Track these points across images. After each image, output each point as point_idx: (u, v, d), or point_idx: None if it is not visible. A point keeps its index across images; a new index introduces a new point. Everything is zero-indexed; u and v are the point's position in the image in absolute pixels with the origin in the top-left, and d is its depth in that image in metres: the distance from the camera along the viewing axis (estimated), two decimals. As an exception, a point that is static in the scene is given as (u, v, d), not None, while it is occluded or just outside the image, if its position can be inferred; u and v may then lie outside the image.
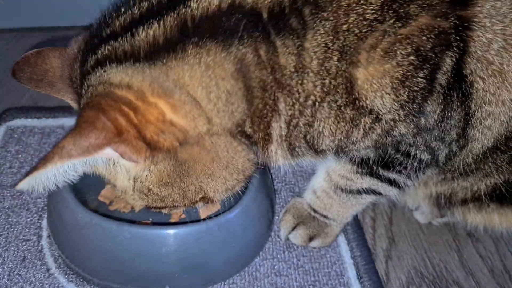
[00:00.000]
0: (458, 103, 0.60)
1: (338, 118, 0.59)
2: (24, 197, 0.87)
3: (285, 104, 0.59)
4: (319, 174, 0.79)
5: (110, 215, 0.77)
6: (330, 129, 0.61)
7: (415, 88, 0.58)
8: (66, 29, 1.38)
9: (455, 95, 0.59)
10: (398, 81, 0.57)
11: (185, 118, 0.55)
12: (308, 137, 0.62)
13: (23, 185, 0.52)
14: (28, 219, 0.83)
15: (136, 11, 0.58)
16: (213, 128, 0.57)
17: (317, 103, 0.59)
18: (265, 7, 0.55)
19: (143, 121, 0.53)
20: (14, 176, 0.91)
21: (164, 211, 0.66)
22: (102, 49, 0.57)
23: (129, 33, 0.56)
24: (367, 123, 0.60)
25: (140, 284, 0.70)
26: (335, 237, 0.83)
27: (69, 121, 1.06)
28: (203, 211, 0.82)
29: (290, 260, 0.79)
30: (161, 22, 0.55)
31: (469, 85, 0.59)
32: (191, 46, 0.54)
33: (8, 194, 0.88)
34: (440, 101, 0.59)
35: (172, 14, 0.56)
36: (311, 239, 0.81)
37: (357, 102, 0.58)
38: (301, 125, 0.61)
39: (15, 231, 0.81)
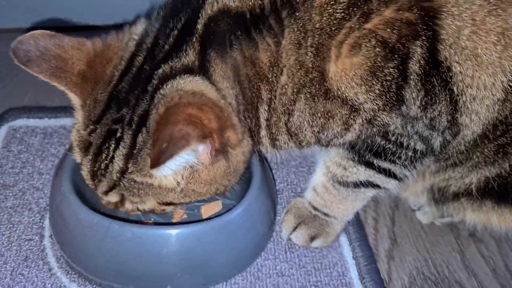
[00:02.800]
0: (440, 88, 0.62)
1: (313, 109, 0.64)
2: (26, 197, 0.87)
3: (265, 92, 0.64)
4: (318, 169, 0.80)
5: (112, 215, 0.77)
6: (309, 121, 0.65)
7: (388, 78, 0.60)
8: (66, 29, 1.39)
9: (434, 80, 0.61)
10: (368, 73, 0.60)
11: (235, 123, 0.63)
12: (289, 125, 0.66)
13: (169, 162, 0.56)
14: (31, 219, 0.83)
15: (178, 25, 0.64)
16: (243, 129, 0.65)
17: (294, 94, 0.63)
18: (247, 9, 0.62)
19: (223, 124, 0.59)
20: (16, 176, 0.91)
21: (178, 208, 0.72)
22: (161, 69, 0.62)
23: (182, 49, 0.62)
24: (344, 114, 0.63)
25: (141, 284, 0.70)
26: (336, 236, 0.83)
27: (71, 121, 1.05)
28: (205, 212, 0.82)
29: (292, 260, 0.79)
30: (191, 46, 0.62)
31: (446, 70, 0.61)
32: (210, 61, 0.62)
33: (10, 194, 0.88)
34: (419, 87, 0.61)
35: (193, 38, 0.62)
36: (312, 239, 0.81)
37: (329, 93, 0.62)
38: (280, 111, 0.65)
39: (17, 231, 0.81)
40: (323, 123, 0.65)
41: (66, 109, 1.07)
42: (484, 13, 0.59)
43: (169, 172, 0.61)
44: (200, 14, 0.63)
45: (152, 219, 0.81)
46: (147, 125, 0.60)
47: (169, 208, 0.70)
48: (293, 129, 0.67)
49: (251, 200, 0.74)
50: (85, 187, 0.79)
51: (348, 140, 0.68)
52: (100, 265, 0.70)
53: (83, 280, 0.74)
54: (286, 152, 0.73)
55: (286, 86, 0.63)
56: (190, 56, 0.62)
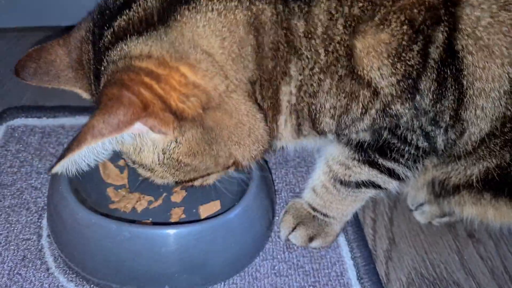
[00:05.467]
0: (452, 80, 0.62)
1: (338, 89, 0.61)
2: (24, 197, 0.87)
3: (296, 68, 0.60)
4: (318, 169, 0.79)
5: (110, 215, 0.77)
6: (332, 101, 0.62)
7: (410, 63, 0.60)
8: (67, 29, 1.38)
9: (448, 71, 0.61)
10: (394, 52, 0.59)
11: (204, 77, 0.56)
12: (311, 109, 0.63)
13: (58, 168, 0.53)
14: (28, 218, 0.83)
15: None
16: (230, 85, 0.58)
17: (322, 72, 0.60)
18: None
19: (167, 89, 0.54)
20: (15, 175, 0.91)
21: (197, 183, 0.66)
22: (118, 21, 0.57)
23: None
24: (366, 96, 0.61)
25: (139, 284, 0.70)
26: (335, 236, 0.83)
27: (69, 121, 1.06)
28: (204, 211, 0.82)
29: (290, 261, 0.79)
30: None
31: (460, 61, 0.61)
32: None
33: (8, 194, 0.87)
34: (434, 77, 0.61)
35: None
36: (311, 239, 0.81)
37: (355, 71, 0.59)
38: (308, 94, 0.62)
39: (15, 230, 0.81)
40: (345, 105, 0.62)
41: (65, 109, 1.08)
42: (499, 5, 0.59)
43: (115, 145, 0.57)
44: None
45: (151, 219, 0.81)
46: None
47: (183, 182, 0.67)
48: (314, 112, 0.63)
49: (250, 200, 0.74)
50: (82, 187, 0.79)
51: (362, 128, 0.66)
52: (98, 265, 0.70)
53: (81, 280, 0.73)
54: (302, 143, 0.71)
55: (316, 62, 0.60)
56: None
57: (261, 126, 0.62)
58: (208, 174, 0.65)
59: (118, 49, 0.56)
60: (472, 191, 0.75)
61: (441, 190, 0.79)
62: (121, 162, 0.89)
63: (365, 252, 0.81)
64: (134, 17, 0.56)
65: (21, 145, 0.98)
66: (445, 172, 0.76)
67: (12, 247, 0.78)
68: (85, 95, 0.67)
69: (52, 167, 0.53)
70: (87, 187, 0.81)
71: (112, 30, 0.58)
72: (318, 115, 0.64)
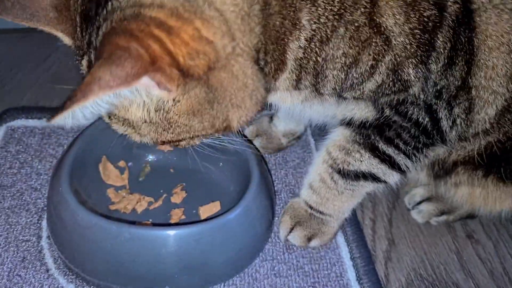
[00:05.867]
0: (465, 41, 0.60)
1: (353, 36, 0.58)
2: (24, 198, 0.87)
3: (309, 17, 0.58)
4: (316, 161, 0.78)
5: (110, 216, 0.77)
6: (344, 49, 0.59)
7: (426, 14, 0.58)
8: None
9: (462, 32, 0.59)
10: (409, 0, 0.57)
11: (215, 35, 0.54)
12: (319, 60, 0.60)
13: (59, 118, 0.50)
14: (28, 220, 0.83)
15: None
16: (237, 48, 0.56)
17: (337, 19, 0.57)
18: None
19: (177, 43, 0.51)
20: (14, 176, 0.91)
21: (183, 143, 0.64)
22: None
23: None
24: (378, 44, 0.59)
25: (139, 285, 0.70)
26: (333, 235, 0.83)
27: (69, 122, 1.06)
28: (203, 212, 0.82)
29: (290, 262, 0.79)
30: None
31: (474, 20, 0.59)
32: None
33: (8, 195, 0.88)
34: (450, 36, 0.59)
35: None
36: (309, 239, 0.81)
37: (373, 17, 0.57)
38: (319, 43, 0.59)
39: (15, 232, 0.81)
40: (356, 54, 0.59)
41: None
42: None
43: (116, 102, 0.54)
44: None
45: (151, 220, 0.81)
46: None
47: (181, 142, 0.64)
48: (322, 63, 0.61)
49: (250, 201, 0.74)
50: (83, 187, 0.79)
51: (368, 89, 0.63)
52: (98, 266, 0.70)
53: (81, 281, 0.74)
54: (298, 101, 0.68)
55: (332, 7, 0.57)
56: None
57: (263, 88, 0.60)
58: (197, 136, 0.62)
59: None
60: (468, 167, 0.74)
61: (440, 170, 0.77)
62: (121, 163, 0.90)
63: (365, 253, 0.81)
64: None
65: (21, 146, 0.98)
66: (447, 150, 0.74)
67: (11, 248, 0.78)
68: (66, 40, 0.63)
69: (52, 116, 0.50)
70: (87, 188, 0.81)
71: None
72: (326, 65, 0.61)
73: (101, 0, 0.55)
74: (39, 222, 0.83)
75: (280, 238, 0.83)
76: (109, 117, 0.62)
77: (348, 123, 0.70)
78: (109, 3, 0.54)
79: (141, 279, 0.69)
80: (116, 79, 0.47)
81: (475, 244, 0.87)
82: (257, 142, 0.98)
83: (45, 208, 0.84)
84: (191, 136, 0.62)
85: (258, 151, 0.91)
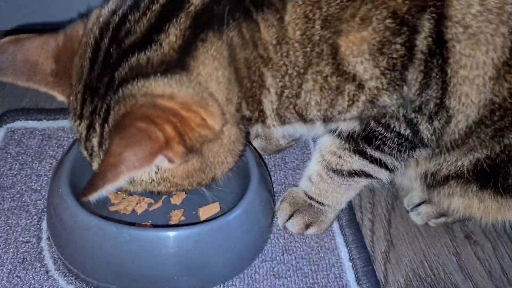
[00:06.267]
0: (438, 71, 0.62)
1: (323, 87, 0.63)
2: (24, 199, 0.87)
3: (272, 78, 0.63)
4: (313, 158, 0.81)
5: (110, 217, 0.77)
6: (317, 98, 0.64)
7: (394, 56, 0.61)
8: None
9: (435, 62, 0.61)
10: (376, 48, 0.60)
11: (214, 119, 0.61)
12: (296, 108, 0.66)
13: (93, 197, 0.55)
14: (28, 221, 0.83)
15: (150, 14, 0.60)
16: (226, 120, 0.63)
17: (304, 74, 0.62)
18: None
19: (186, 128, 0.58)
20: (14, 178, 0.91)
21: (170, 193, 0.72)
22: (137, 56, 0.59)
23: (155, 39, 0.59)
24: (351, 90, 0.63)
25: (139, 286, 0.70)
26: (329, 224, 0.85)
27: (69, 123, 1.06)
28: (203, 214, 0.82)
29: (289, 262, 0.79)
30: (177, 25, 0.59)
31: (448, 50, 0.61)
32: (200, 43, 0.59)
33: (8, 196, 0.88)
34: (422, 68, 0.62)
35: (182, 14, 0.59)
36: (307, 226, 0.83)
37: (340, 67, 0.61)
38: (290, 96, 0.65)
39: (14, 233, 0.81)
40: (329, 101, 0.64)
41: (65, 111, 1.07)
42: None
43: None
44: None
45: (150, 221, 0.82)
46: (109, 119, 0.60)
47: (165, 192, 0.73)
48: (300, 109, 0.66)
49: (249, 202, 0.74)
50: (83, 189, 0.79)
51: (350, 117, 0.68)
52: (97, 268, 0.71)
53: (81, 282, 0.74)
54: (289, 129, 0.74)
55: (295, 66, 0.62)
56: (171, 38, 0.59)
57: (243, 141, 0.69)
58: (183, 190, 0.72)
59: (138, 84, 0.59)
60: (460, 181, 0.76)
61: (433, 181, 0.79)
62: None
63: (364, 254, 0.81)
64: (154, 58, 0.59)
65: (21, 148, 0.99)
66: (437, 164, 0.77)
67: (11, 250, 0.78)
68: (61, 98, 0.68)
69: (84, 195, 0.55)
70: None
71: (129, 63, 0.60)
72: (305, 109, 0.66)
73: (113, 83, 0.60)
74: (39, 223, 0.83)
75: (278, 225, 0.84)
76: None
77: (338, 135, 0.73)
78: (120, 89, 0.60)
79: (141, 280, 0.70)
80: (140, 160, 0.53)
81: (473, 245, 0.87)
82: (256, 143, 0.98)
83: (45, 209, 0.85)
84: (180, 190, 0.73)
85: (257, 152, 0.92)
